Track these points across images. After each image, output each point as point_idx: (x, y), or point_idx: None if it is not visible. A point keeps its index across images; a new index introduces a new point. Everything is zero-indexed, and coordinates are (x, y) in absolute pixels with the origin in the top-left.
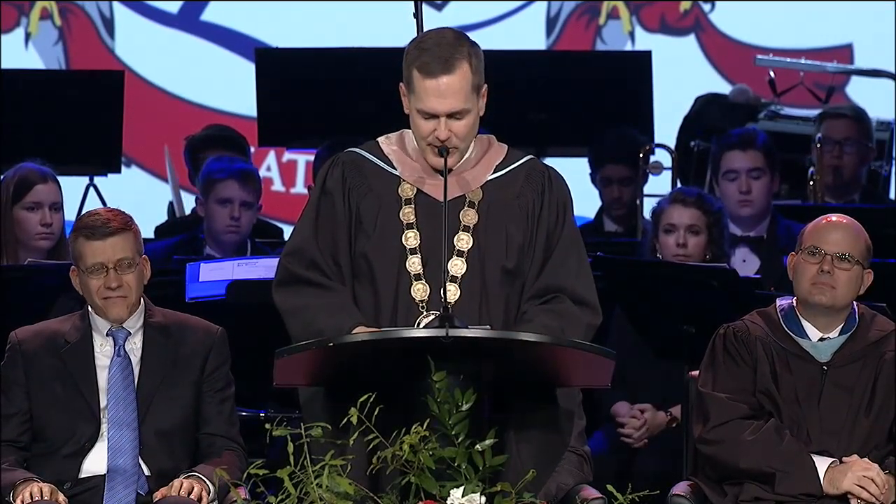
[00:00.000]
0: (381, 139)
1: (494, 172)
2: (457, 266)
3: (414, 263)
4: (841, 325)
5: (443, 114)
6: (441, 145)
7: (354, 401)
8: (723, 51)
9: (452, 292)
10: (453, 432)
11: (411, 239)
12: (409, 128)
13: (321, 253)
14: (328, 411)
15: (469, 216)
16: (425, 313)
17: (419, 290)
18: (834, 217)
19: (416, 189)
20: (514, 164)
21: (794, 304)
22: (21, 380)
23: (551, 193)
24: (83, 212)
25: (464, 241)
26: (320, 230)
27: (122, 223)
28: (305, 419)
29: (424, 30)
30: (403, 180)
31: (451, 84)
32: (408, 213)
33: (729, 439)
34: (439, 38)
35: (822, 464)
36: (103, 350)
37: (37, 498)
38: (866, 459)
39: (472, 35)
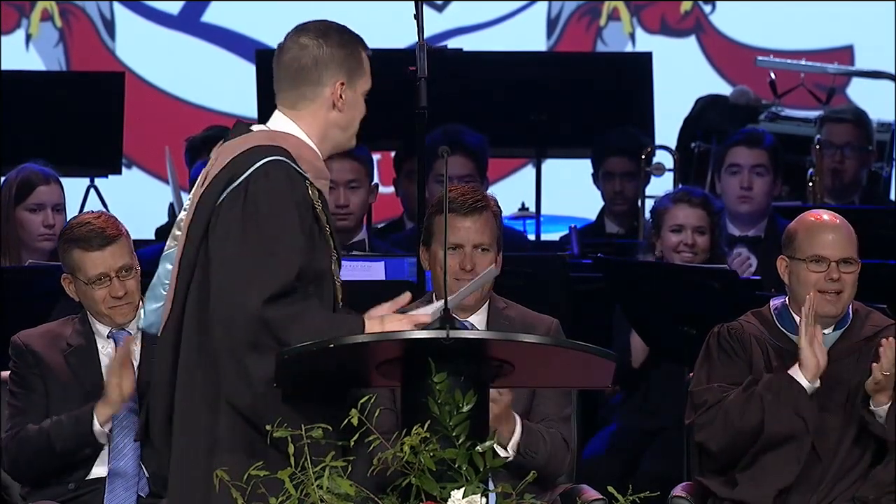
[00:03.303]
0: (274, 149)
1: None
2: None
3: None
4: (834, 322)
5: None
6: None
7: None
8: (723, 52)
9: None
10: (454, 433)
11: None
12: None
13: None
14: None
15: None
16: None
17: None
18: (825, 216)
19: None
20: None
21: (787, 302)
22: (38, 379)
23: None
24: (79, 214)
25: None
26: (298, 241)
27: (116, 230)
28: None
29: (424, 30)
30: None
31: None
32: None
33: (717, 413)
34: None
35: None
36: (105, 352)
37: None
38: None
39: (473, 36)
